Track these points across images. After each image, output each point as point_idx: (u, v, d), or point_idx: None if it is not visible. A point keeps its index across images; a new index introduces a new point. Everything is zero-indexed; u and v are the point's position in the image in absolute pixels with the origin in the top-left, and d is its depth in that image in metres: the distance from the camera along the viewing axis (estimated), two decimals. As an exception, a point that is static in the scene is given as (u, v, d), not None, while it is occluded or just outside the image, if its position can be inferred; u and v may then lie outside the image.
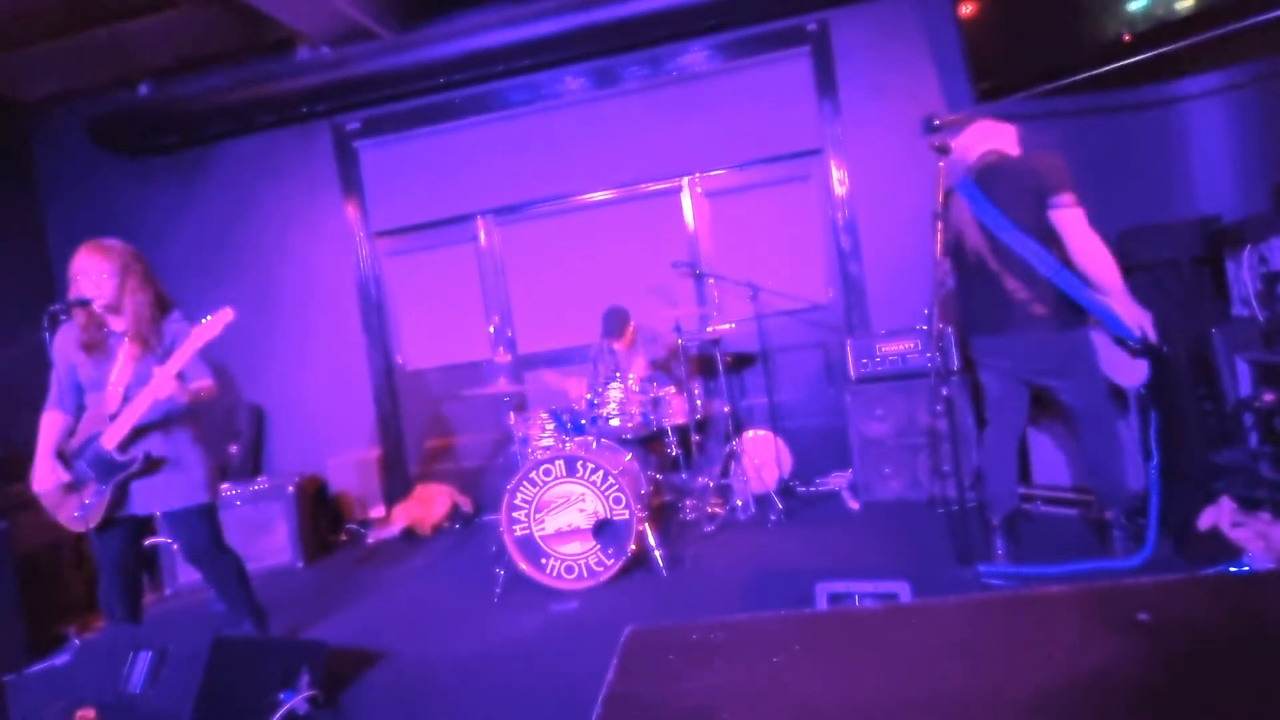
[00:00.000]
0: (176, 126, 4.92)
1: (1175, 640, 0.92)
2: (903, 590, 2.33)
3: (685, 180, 4.84)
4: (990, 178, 2.72)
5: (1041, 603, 1.10)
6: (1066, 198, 2.56)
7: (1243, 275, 3.09)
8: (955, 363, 3.86)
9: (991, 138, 2.83)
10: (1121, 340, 2.59)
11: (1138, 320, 2.55)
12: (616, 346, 4.29)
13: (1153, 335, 2.55)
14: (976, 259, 2.75)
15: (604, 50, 4.66)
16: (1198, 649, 0.89)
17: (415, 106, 4.99)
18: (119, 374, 2.64)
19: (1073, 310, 2.63)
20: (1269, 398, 2.80)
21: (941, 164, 2.75)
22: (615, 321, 4.23)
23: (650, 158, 4.80)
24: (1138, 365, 2.62)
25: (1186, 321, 3.14)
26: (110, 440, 2.59)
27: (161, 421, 2.69)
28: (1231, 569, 2.45)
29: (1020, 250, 2.62)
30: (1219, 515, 2.74)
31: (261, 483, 4.58)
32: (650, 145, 4.80)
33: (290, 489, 4.45)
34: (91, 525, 2.63)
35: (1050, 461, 3.56)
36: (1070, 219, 2.56)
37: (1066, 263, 2.59)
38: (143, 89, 4.84)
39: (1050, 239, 2.60)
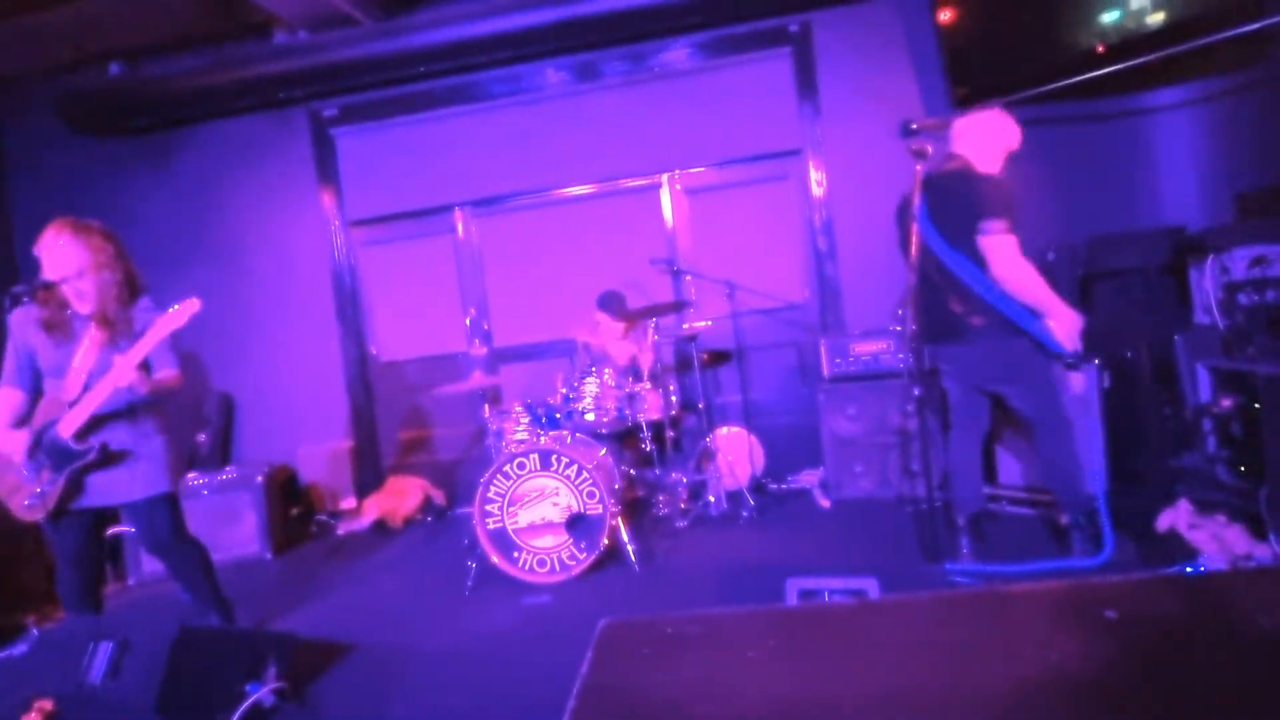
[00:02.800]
0: (148, 108, 4.81)
1: (1141, 636, 0.95)
2: (871, 587, 2.36)
3: (665, 177, 4.84)
4: (936, 194, 2.72)
5: (1010, 599, 1.13)
6: (996, 224, 2.54)
7: (1205, 284, 3.18)
8: (927, 364, 3.92)
9: (974, 140, 2.79)
10: (1058, 356, 2.64)
11: (1071, 336, 2.59)
12: (608, 330, 4.27)
13: (1079, 344, 2.59)
14: (923, 269, 2.78)
15: (586, 44, 4.64)
16: (1163, 645, 0.93)
17: (395, 95, 4.93)
18: (82, 359, 2.53)
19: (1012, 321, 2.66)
20: (1227, 403, 2.89)
21: (919, 168, 2.78)
22: (614, 301, 4.23)
23: (630, 154, 4.80)
24: (1077, 376, 2.68)
25: (1150, 328, 3.22)
26: (67, 428, 2.49)
27: (122, 412, 2.60)
28: (1188, 569, 2.53)
29: (955, 269, 2.65)
30: (1176, 517, 2.83)
31: (230, 472, 4.50)
32: (630, 141, 4.79)
33: (259, 479, 4.38)
34: (44, 515, 2.56)
35: (1014, 462, 3.64)
36: (994, 246, 2.55)
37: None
38: (113, 69, 4.71)
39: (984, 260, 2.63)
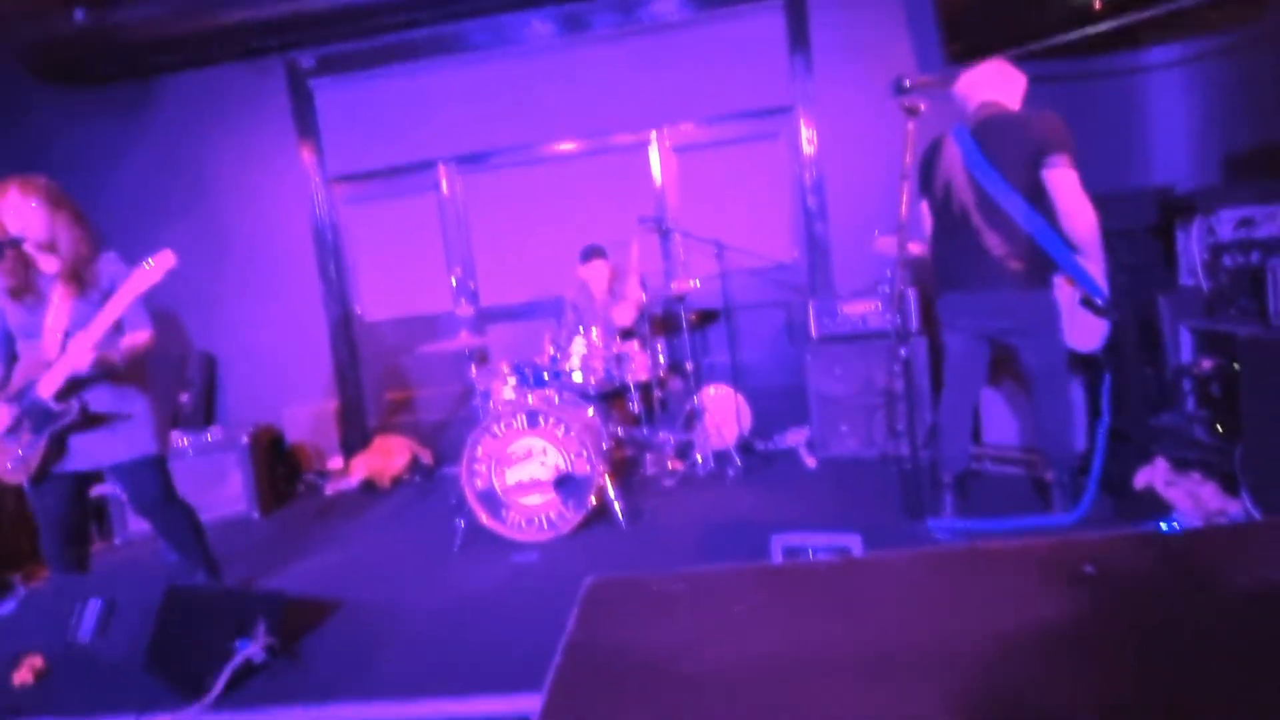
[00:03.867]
0: (116, 57, 4.62)
1: (1118, 591, 0.97)
2: (855, 543, 2.40)
3: (653, 134, 4.75)
4: (988, 132, 2.71)
5: (991, 556, 1.15)
6: (1063, 158, 2.57)
7: (1191, 246, 3.18)
8: (914, 325, 3.93)
9: (996, 86, 2.81)
10: (1089, 301, 2.66)
11: (1105, 279, 2.64)
12: (587, 277, 4.25)
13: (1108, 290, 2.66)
14: (961, 211, 2.76)
15: (573, -7, 4.50)
16: (1139, 599, 0.95)
17: (375, 45, 4.77)
18: (55, 317, 2.48)
19: (1045, 270, 2.68)
20: (1207, 364, 2.92)
21: (910, 126, 2.73)
22: (590, 250, 4.22)
23: (618, 109, 4.70)
24: (1099, 326, 2.70)
25: (1136, 289, 3.23)
26: (46, 388, 2.45)
27: (101, 372, 2.56)
28: (1162, 525, 2.59)
29: (1008, 207, 2.65)
30: (1154, 474, 2.88)
31: (214, 432, 4.47)
32: (619, 96, 4.69)
33: (244, 439, 4.36)
34: (27, 478, 2.53)
35: (999, 422, 3.68)
36: (1065, 179, 2.58)
37: (1051, 222, 2.63)
38: (79, 15, 4.51)
39: (1038, 198, 2.63)
